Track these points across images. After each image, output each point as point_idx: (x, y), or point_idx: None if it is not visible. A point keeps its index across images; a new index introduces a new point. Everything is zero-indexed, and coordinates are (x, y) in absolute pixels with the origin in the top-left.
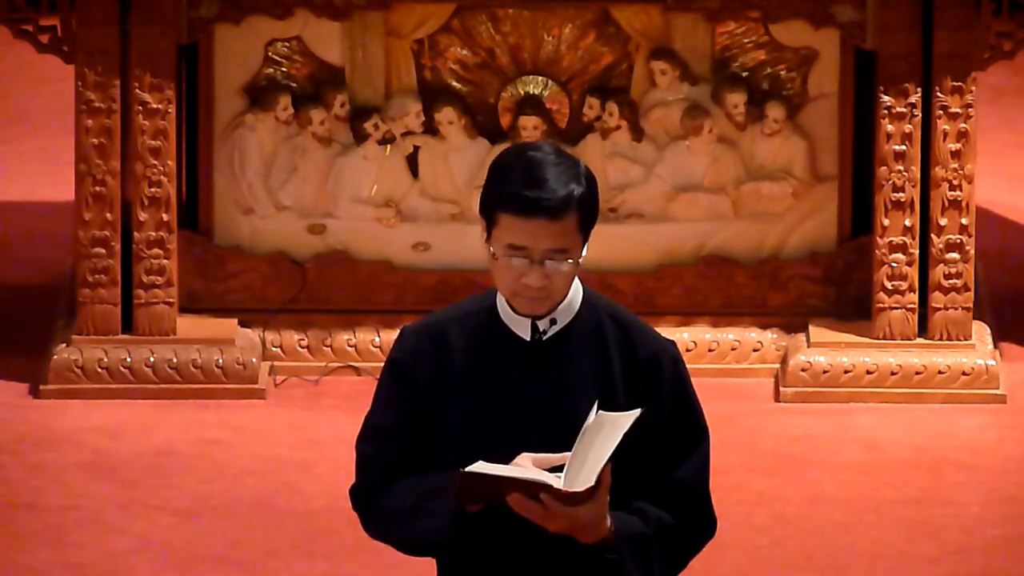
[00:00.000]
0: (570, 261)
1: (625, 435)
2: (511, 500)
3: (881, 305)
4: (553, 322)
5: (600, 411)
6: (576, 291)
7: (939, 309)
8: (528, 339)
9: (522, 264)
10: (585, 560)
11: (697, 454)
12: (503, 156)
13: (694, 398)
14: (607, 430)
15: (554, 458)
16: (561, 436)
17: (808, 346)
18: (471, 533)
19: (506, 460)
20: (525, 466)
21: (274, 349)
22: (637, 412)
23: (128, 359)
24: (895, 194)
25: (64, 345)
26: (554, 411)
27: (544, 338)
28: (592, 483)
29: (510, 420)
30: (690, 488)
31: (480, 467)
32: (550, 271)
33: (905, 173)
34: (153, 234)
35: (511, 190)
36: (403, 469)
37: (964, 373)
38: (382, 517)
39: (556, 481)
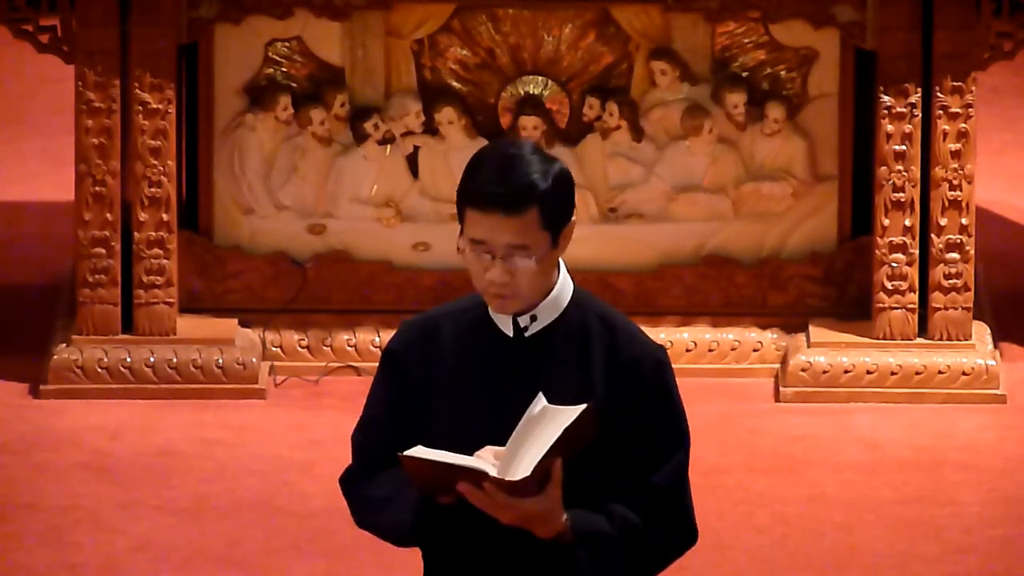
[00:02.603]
0: (532, 259)
1: (582, 432)
2: (461, 489)
3: (881, 305)
4: (534, 319)
5: (545, 403)
6: (563, 289)
7: (939, 309)
8: (511, 335)
9: (486, 259)
10: (548, 555)
11: (674, 460)
12: (478, 153)
13: (677, 405)
14: (547, 422)
15: None
16: None
17: (808, 346)
18: (436, 524)
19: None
20: (485, 458)
21: (274, 349)
22: (582, 407)
23: (128, 359)
24: (895, 194)
25: (64, 345)
26: None
27: (527, 335)
28: (528, 473)
29: (491, 415)
30: (664, 493)
31: (419, 451)
32: (513, 268)
33: (905, 173)
34: (153, 234)
35: (473, 185)
36: (389, 459)
37: (964, 373)
38: (361, 505)
39: (493, 469)
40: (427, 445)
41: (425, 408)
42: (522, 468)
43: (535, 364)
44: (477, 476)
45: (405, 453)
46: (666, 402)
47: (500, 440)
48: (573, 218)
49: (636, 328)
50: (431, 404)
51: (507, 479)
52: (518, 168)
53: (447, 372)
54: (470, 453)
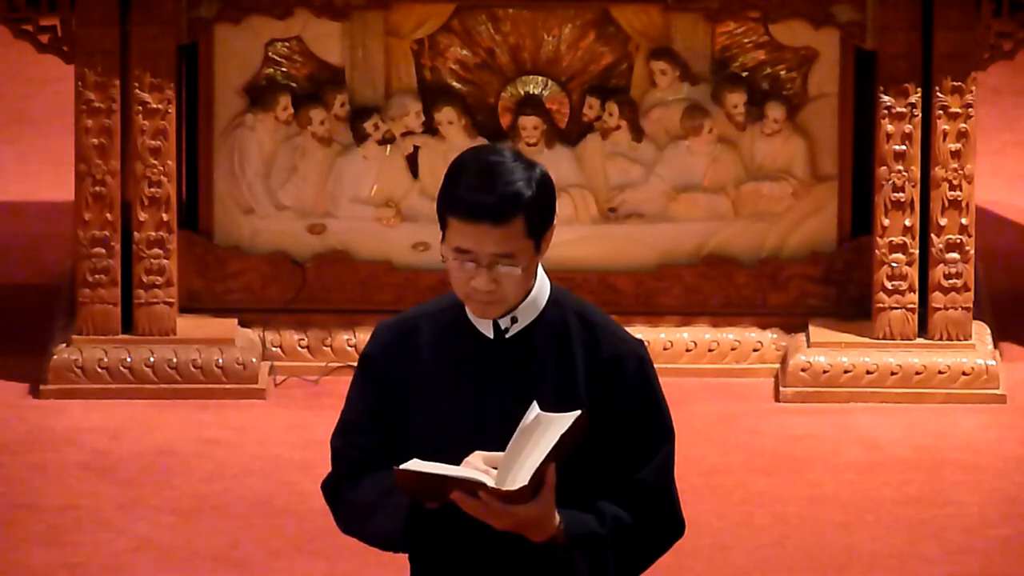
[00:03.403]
0: (518, 267)
1: (573, 437)
2: (455, 498)
3: (881, 305)
4: (514, 320)
5: (539, 411)
6: (541, 289)
7: (939, 309)
8: (491, 337)
9: (470, 268)
10: (540, 557)
11: (660, 455)
12: (459, 159)
13: (660, 399)
14: (542, 430)
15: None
16: None
17: (808, 346)
18: (426, 529)
19: (466, 456)
20: (476, 464)
21: (274, 349)
22: (576, 414)
23: (128, 359)
24: (895, 194)
25: (64, 345)
26: (514, 409)
27: (507, 336)
28: (526, 483)
29: (471, 417)
30: (652, 489)
31: (414, 464)
32: (498, 275)
33: (905, 173)
34: (153, 234)
35: (457, 194)
36: (371, 464)
37: (964, 373)
38: (347, 511)
39: (490, 480)
40: (409, 447)
41: (405, 411)
42: (520, 477)
43: (516, 365)
44: (473, 486)
45: (400, 467)
46: (649, 398)
47: (482, 441)
48: (554, 222)
49: (615, 324)
50: (411, 406)
51: (505, 489)
52: (502, 176)
53: (426, 374)
54: (452, 455)
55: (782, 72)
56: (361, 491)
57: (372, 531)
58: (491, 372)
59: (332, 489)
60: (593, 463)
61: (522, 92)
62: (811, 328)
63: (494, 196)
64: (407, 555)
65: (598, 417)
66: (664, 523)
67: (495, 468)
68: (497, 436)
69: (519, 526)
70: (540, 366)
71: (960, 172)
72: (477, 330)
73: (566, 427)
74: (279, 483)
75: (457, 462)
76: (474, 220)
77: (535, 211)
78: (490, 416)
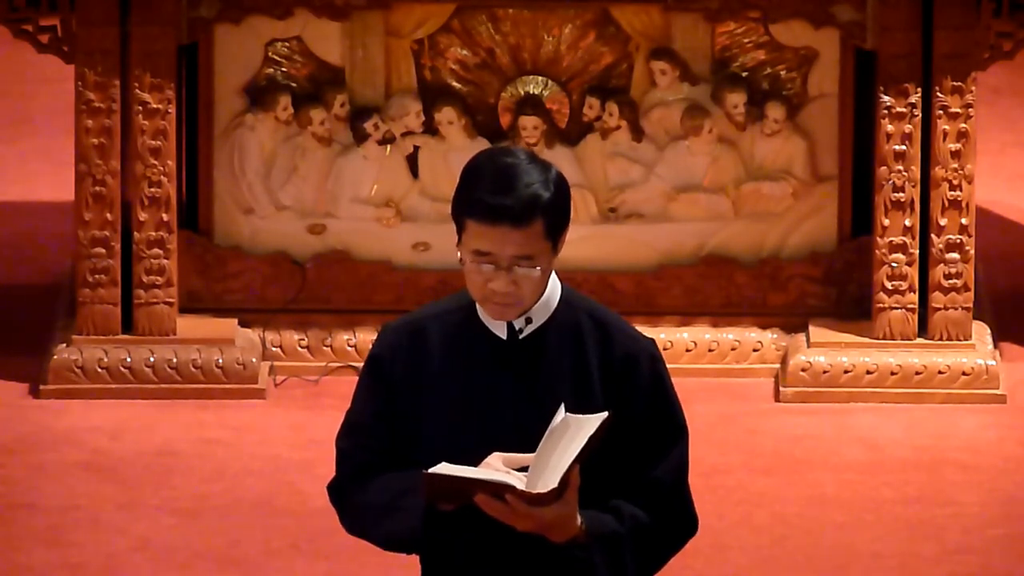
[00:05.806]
0: (537, 268)
1: (599, 437)
2: (478, 500)
3: (881, 305)
4: (529, 321)
5: (566, 413)
6: (553, 289)
7: (939, 309)
8: (504, 338)
9: (489, 270)
10: (558, 558)
11: (675, 453)
12: (473, 161)
13: (673, 397)
14: (572, 432)
15: (525, 458)
16: (535, 435)
17: (808, 346)
18: (443, 531)
19: (480, 458)
20: (495, 465)
21: (274, 349)
22: (604, 415)
23: (128, 359)
24: (895, 194)
25: (64, 345)
26: (529, 410)
27: (520, 337)
28: (555, 485)
29: (485, 418)
30: (667, 487)
31: (443, 468)
32: (517, 277)
33: (905, 173)
34: (153, 234)
35: (477, 196)
36: (379, 465)
37: (964, 373)
38: (357, 513)
39: (520, 482)
40: (419, 449)
41: (414, 412)
42: (552, 480)
43: (529, 365)
44: (501, 489)
45: (429, 471)
46: (663, 396)
47: (495, 443)
48: (569, 223)
49: (626, 324)
50: (420, 408)
51: (534, 492)
52: (520, 179)
53: (436, 375)
54: (466, 456)
55: (782, 72)
56: (371, 493)
57: (385, 532)
58: (504, 373)
59: (339, 491)
60: (607, 462)
61: (522, 92)
62: (811, 328)
63: (513, 198)
64: (413, 555)
65: (614, 416)
66: (679, 521)
67: (516, 469)
68: (511, 437)
69: (543, 528)
70: (553, 366)
71: (960, 172)
72: (489, 331)
73: (594, 428)
74: (279, 483)
75: (470, 463)
76: (494, 222)
77: (553, 213)
78: (504, 417)
